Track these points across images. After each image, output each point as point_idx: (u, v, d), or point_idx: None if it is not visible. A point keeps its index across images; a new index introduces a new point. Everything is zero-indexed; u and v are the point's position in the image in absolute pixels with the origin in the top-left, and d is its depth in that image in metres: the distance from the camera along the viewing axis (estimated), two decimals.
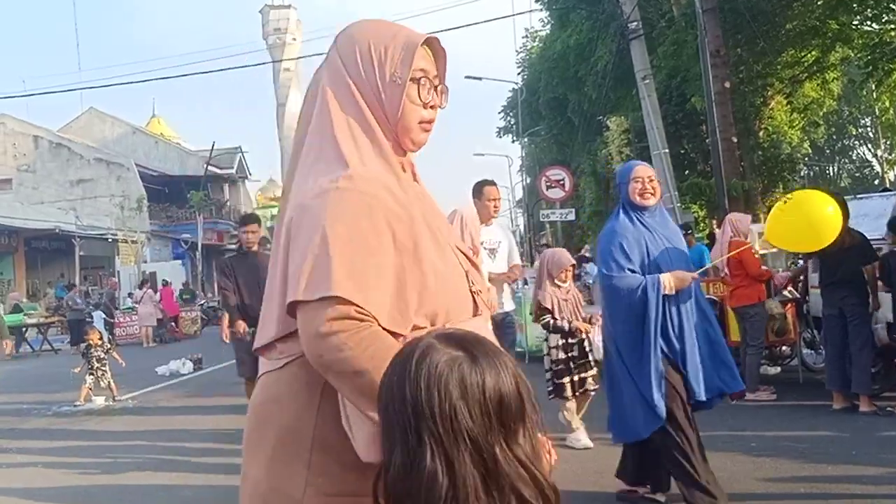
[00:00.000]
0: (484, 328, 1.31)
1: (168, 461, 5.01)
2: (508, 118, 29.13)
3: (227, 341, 5.86)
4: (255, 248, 5.81)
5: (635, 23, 11.88)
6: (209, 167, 29.91)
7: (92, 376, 7.79)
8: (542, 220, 16.29)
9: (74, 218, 24.89)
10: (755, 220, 7.52)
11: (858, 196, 6.77)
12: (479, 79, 23.91)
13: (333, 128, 1.30)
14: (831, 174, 31.14)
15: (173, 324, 17.65)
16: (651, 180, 3.19)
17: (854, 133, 29.10)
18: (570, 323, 4.71)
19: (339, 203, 1.20)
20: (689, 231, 7.96)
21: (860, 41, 15.15)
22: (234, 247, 33.31)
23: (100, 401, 7.79)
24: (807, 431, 4.75)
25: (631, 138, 15.16)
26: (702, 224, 14.98)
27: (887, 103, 22.02)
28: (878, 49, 14.06)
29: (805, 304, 6.42)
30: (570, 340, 4.71)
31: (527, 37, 28.50)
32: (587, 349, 4.74)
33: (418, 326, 1.22)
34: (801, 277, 6.47)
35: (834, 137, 28.51)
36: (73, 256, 23.28)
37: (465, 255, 1.40)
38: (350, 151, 1.27)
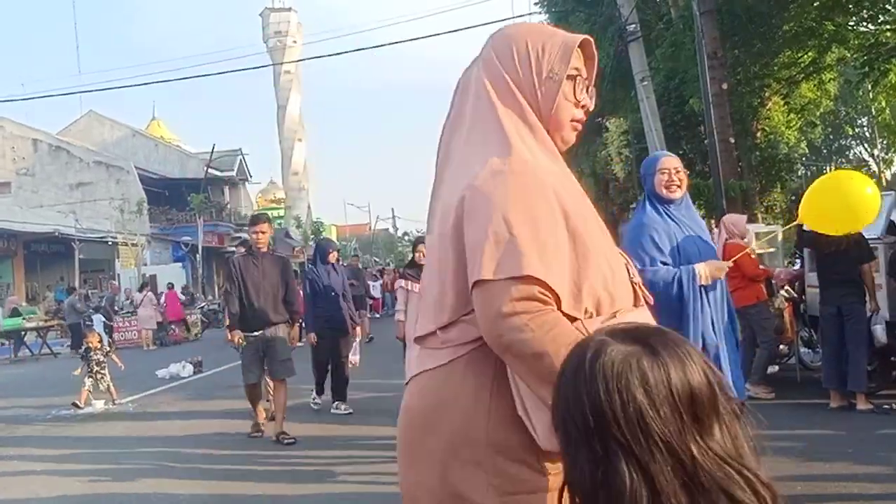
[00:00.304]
0: (650, 320, 1.30)
1: (168, 468, 5.02)
2: None
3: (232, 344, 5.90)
4: (264, 248, 5.71)
5: (633, 25, 11.93)
6: (209, 170, 29.94)
7: (91, 379, 7.81)
8: None
9: (74, 221, 24.89)
10: (752, 219, 7.55)
11: None
12: None
13: (498, 116, 1.32)
14: (829, 173, 31.10)
15: (175, 328, 17.64)
16: (677, 171, 3.10)
17: (851, 133, 29.14)
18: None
19: (516, 185, 1.21)
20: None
21: (856, 42, 15.19)
22: (234, 249, 33.01)
23: (99, 404, 7.81)
24: (804, 430, 4.77)
25: (630, 139, 15.20)
26: None
27: (883, 103, 22.06)
28: (873, 49, 14.10)
29: (802, 304, 6.46)
30: None
31: None
32: None
33: (587, 311, 1.22)
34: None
35: (831, 137, 28.54)
36: (72, 260, 23.29)
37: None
38: (515, 139, 1.29)
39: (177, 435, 6.09)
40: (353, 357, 6.64)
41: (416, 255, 6.17)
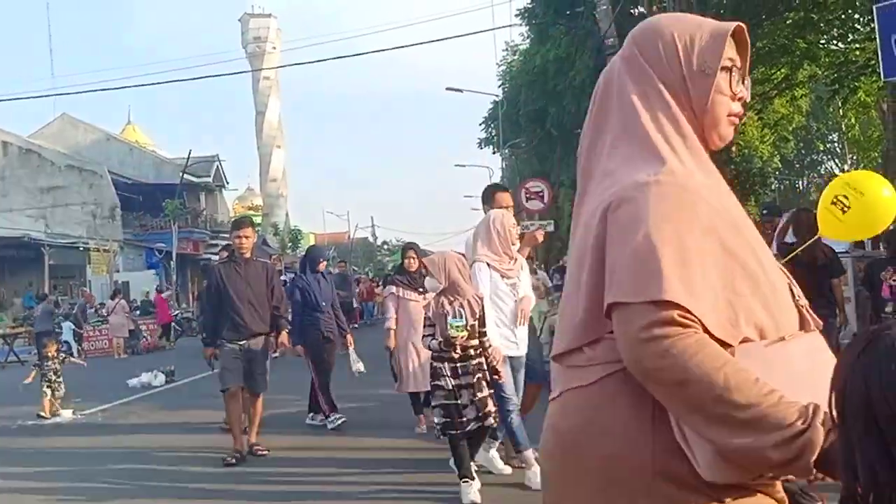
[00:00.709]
0: (823, 348, 1.20)
1: (138, 485, 4.86)
2: (489, 130, 29.33)
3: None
4: (248, 254, 5.40)
5: (612, 39, 12.07)
6: (185, 175, 29.60)
7: (50, 388, 7.61)
8: (521, 231, 16.37)
9: (44, 226, 24.41)
10: None
11: None
12: (460, 91, 24.08)
13: (645, 123, 1.22)
14: (801, 188, 31.85)
15: (147, 337, 17.33)
16: None
17: (822, 148, 29.82)
18: None
19: (663, 199, 1.11)
20: None
21: (827, 60, 15.58)
22: (209, 256, 32.59)
23: (67, 414, 7.61)
24: None
25: None
26: None
27: (853, 120, 22.62)
28: (843, 67, 14.48)
29: None
30: None
31: (507, 50, 28.80)
32: None
33: (747, 339, 1.12)
34: None
35: (803, 152, 29.17)
36: (42, 265, 22.79)
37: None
38: (663, 146, 1.19)
39: (148, 447, 5.93)
40: (357, 365, 6.47)
41: (406, 261, 6.00)
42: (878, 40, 7.48)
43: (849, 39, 15.14)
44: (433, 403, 4.07)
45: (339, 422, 6.11)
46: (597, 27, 12.71)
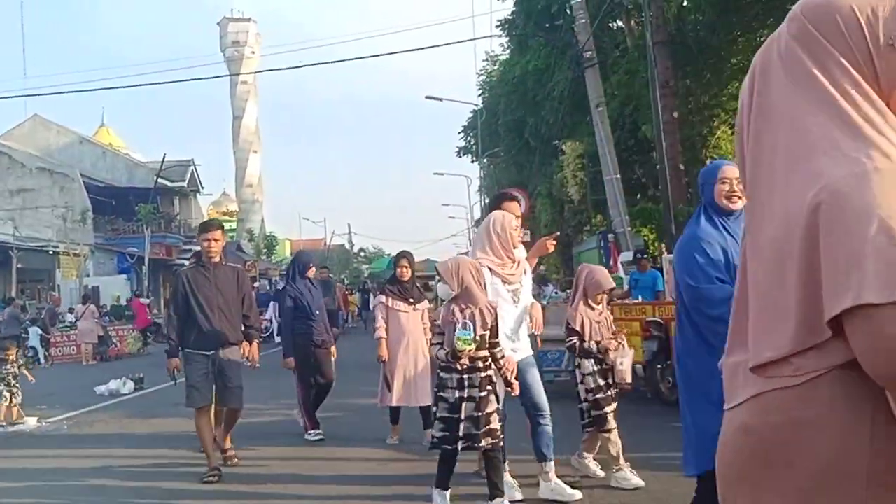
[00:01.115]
0: None
1: (104, 501, 4.69)
2: (468, 139, 29.43)
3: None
4: (217, 258, 5.01)
5: (590, 52, 12.22)
6: (159, 179, 29.17)
7: (10, 393, 7.40)
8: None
9: (13, 229, 23.83)
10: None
11: None
12: (440, 100, 24.17)
13: (837, 103, 1.11)
14: None
15: (116, 343, 16.98)
16: (739, 182, 2.83)
17: None
18: (597, 344, 4.31)
19: (891, 188, 1.01)
20: (644, 255, 8.12)
21: None
22: (183, 262, 32.30)
23: (32, 422, 7.40)
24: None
25: (585, 163, 15.51)
26: (652, 247, 15.38)
27: None
28: None
29: None
30: (604, 366, 4.32)
31: (487, 60, 29.01)
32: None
33: None
34: None
35: None
36: (9, 269, 22.24)
37: None
38: (867, 128, 1.09)
39: (115, 457, 5.78)
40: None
41: (399, 270, 5.75)
42: None
43: None
44: (437, 415, 3.83)
45: (316, 438, 5.90)
46: (575, 40, 12.84)
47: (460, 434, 3.68)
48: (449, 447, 3.75)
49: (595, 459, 4.45)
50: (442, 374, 3.81)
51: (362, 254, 62.47)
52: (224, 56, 56.24)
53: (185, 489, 4.74)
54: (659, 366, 6.92)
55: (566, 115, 16.69)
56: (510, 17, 18.83)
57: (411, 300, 5.63)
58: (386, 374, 5.60)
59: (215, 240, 4.98)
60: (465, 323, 3.68)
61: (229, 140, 60.16)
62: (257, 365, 5.43)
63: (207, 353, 4.89)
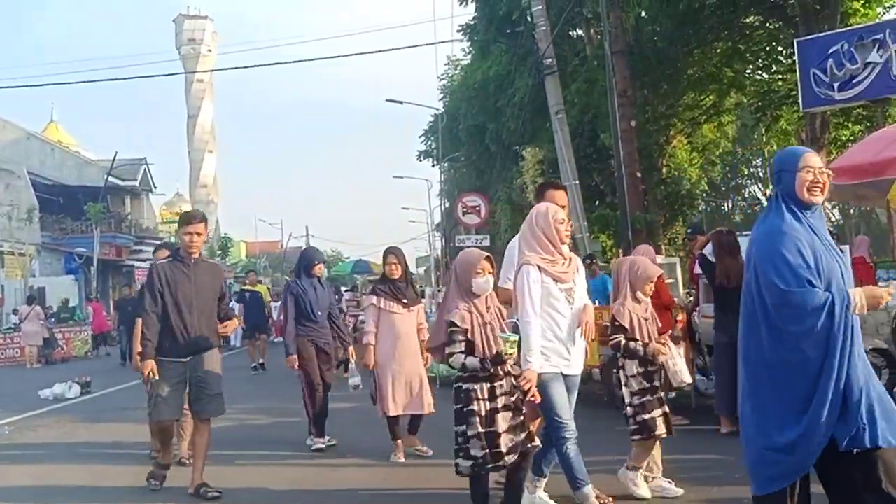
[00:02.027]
0: None
1: None
2: (429, 143, 29.43)
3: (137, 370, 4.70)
4: (197, 254, 4.50)
5: (550, 60, 12.35)
6: (110, 178, 28.26)
7: None
8: (458, 244, 16.52)
9: None
10: (657, 251, 7.92)
11: (745, 233, 7.31)
12: (401, 102, 24.10)
13: None
14: (726, 210, 33.40)
15: (63, 346, 16.34)
16: (822, 171, 2.51)
17: (746, 173, 31.40)
18: (645, 346, 3.93)
19: None
20: (594, 260, 8.23)
21: (752, 88, 16.48)
22: (132, 263, 31.17)
23: None
24: (695, 455, 4.92)
25: (545, 169, 15.66)
26: (609, 253, 15.61)
27: (775, 146, 23.90)
28: (767, 96, 15.35)
29: (696, 333, 6.76)
30: (649, 368, 3.96)
31: (448, 65, 29.09)
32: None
33: None
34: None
35: (729, 176, 30.61)
36: None
37: None
38: None
39: (58, 464, 5.53)
40: (353, 379, 5.82)
41: (388, 268, 5.31)
42: (798, 73, 7.98)
43: (772, 70, 16.07)
44: (468, 433, 3.29)
45: (320, 446, 5.53)
46: (536, 47, 12.96)
47: (503, 449, 3.24)
48: (494, 465, 3.28)
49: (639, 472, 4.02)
50: (466, 386, 3.32)
51: None
52: (179, 54, 55.09)
53: (132, 496, 4.57)
54: (614, 370, 6.97)
55: (526, 122, 16.84)
56: (472, 23, 18.91)
57: (405, 300, 5.22)
58: (380, 382, 5.18)
59: (198, 233, 4.44)
60: (510, 322, 3.31)
61: (184, 139, 58.86)
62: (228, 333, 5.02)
63: (183, 359, 4.36)
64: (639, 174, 13.14)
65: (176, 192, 51.49)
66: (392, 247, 5.62)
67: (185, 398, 4.44)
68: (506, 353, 3.26)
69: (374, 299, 5.24)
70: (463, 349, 3.30)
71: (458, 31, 19.94)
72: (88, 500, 4.57)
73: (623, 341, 3.93)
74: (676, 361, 4.03)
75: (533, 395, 3.37)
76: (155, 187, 35.95)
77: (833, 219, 19.26)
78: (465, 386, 3.33)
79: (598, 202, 16.22)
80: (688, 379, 4.05)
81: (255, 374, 11.31)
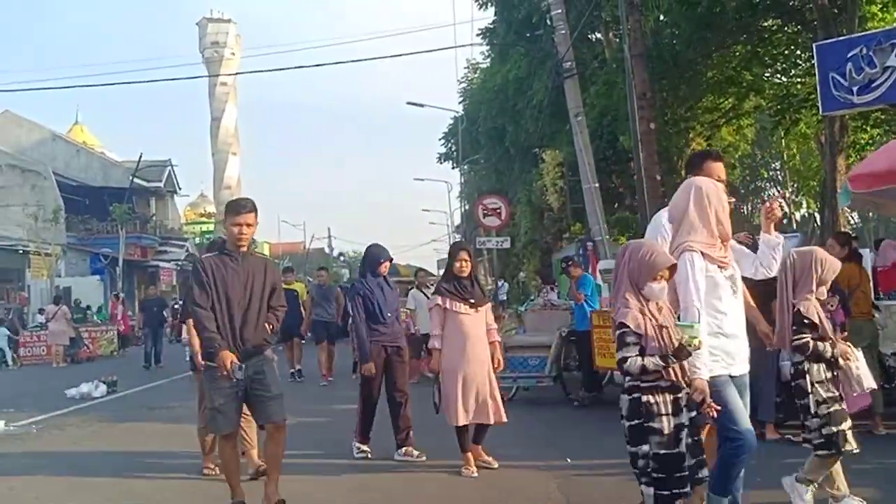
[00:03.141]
0: None
1: None
2: (449, 145, 29.55)
3: (202, 373, 4.25)
4: (246, 248, 4.03)
5: (569, 63, 12.37)
6: (135, 179, 28.78)
7: None
8: (478, 247, 16.60)
9: None
10: None
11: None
12: (421, 106, 24.28)
13: None
14: (745, 213, 33.09)
15: (88, 346, 16.69)
16: None
17: (765, 176, 31.11)
18: (832, 346, 3.48)
19: None
20: (571, 262, 8.19)
21: (771, 92, 16.35)
22: (157, 263, 31.66)
23: None
24: (713, 458, 4.95)
25: (564, 171, 15.69)
26: None
27: (794, 150, 23.67)
28: (786, 100, 15.24)
29: None
30: (835, 372, 3.53)
31: (468, 68, 29.19)
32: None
33: None
34: None
35: (748, 179, 30.35)
36: None
37: None
38: None
39: (85, 462, 5.68)
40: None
41: (458, 264, 4.81)
42: (817, 76, 7.94)
43: (791, 74, 15.94)
44: (651, 453, 2.81)
45: (361, 455, 5.25)
46: (555, 50, 13.00)
47: (685, 475, 2.80)
48: (680, 491, 2.80)
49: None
50: (646, 398, 2.82)
51: (342, 258, 62.18)
52: (203, 57, 55.79)
53: (159, 493, 4.70)
54: (799, 379, 6.90)
55: (546, 124, 16.87)
56: (491, 26, 19.00)
57: (472, 300, 4.79)
58: (447, 390, 4.75)
59: (248, 224, 3.93)
60: (690, 309, 2.84)
61: (208, 141, 59.60)
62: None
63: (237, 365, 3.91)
64: (658, 177, 13.09)
65: (200, 194, 52.31)
66: (461, 242, 5.22)
67: (243, 406, 4.00)
68: (690, 345, 2.74)
69: (439, 299, 4.80)
70: (637, 352, 2.81)
71: (478, 34, 20.11)
72: (115, 499, 4.69)
73: (811, 342, 3.42)
74: (860, 364, 3.52)
75: (709, 406, 2.84)
76: (179, 189, 36.50)
77: (852, 222, 19.01)
78: (642, 398, 2.82)
79: (617, 205, 16.22)
80: (873, 384, 3.59)
81: (292, 381, 10.00)
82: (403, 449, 5.17)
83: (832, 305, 5.31)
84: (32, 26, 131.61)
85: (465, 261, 4.83)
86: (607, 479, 4.44)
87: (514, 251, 20.91)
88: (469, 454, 4.77)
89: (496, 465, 4.82)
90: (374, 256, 5.55)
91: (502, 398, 4.94)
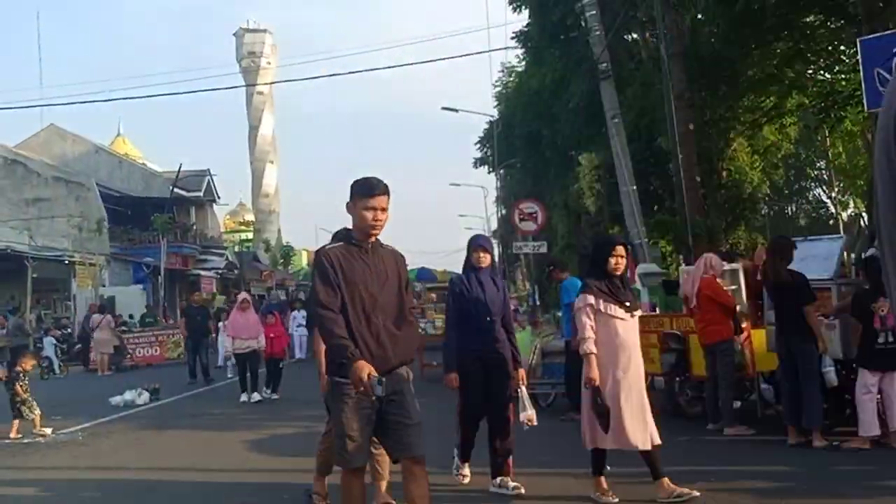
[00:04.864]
0: None
1: None
2: (485, 150, 29.51)
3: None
4: (378, 234, 3.26)
5: (605, 64, 12.19)
6: (175, 189, 29.40)
7: (27, 408, 7.38)
8: (515, 251, 16.48)
9: (28, 238, 24.09)
10: (730, 258, 7.65)
11: (809, 238, 7.05)
12: (456, 111, 24.31)
13: None
14: (790, 214, 32.20)
15: (130, 354, 17.07)
16: None
17: (810, 175, 30.22)
18: None
19: None
20: (554, 266, 7.94)
21: (814, 89, 15.87)
22: (198, 272, 32.04)
23: (47, 432, 7.42)
24: (763, 466, 4.79)
25: (602, 174, 15.47)
26: (669, 259, 15.26)
27: (840, 148, 22.94)
28: (830, 97, 14.77)
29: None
30: None
31: (503, 72, 29.13)
32: None
33: None
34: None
35: (792, 179, 29.53)
36: (24, 278, 22.46)
37: None
38: None
39: (129, 469, 5.74)
40: (526, 413, 4.52)
41: (614, 260, 4.10)
42: (861, 72, 7.64)
43: (835, 70, 15.46)
44: None
45: (466, 477, 4.59)
46: (590, 52, 12.83)
47: None
48: None
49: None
50: None
51: None
52: (240, 67, 56.87)
53: (200, 500, 4.72)
54: (678, 378, 6.85)
55: (582, 127, 16.67)
56: (525, 30, 18.87)
57: (627, 303, 4.10)
58: (598, 404, 4.01)
59: (382, 209, 3.18)
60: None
61: (246, 150, 60.67)
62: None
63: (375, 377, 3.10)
64: (698, 178, 12.82)
65: (239, 203, 53.21)
66: (615, 236, 4.55)
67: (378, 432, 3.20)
68: None
69: (590, 299, 4.07)
70: None
71: (512, 38, 19.96)
72: (158, 502, 4.73)
73: None
74: None
75: None
76: (218, 197, 37.16)
77: None
78: None
79: (656, 207, 15.91)
80: None
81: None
82: (499, 479, 4.39)
83: (884, 311, 5.10)
84: (74, 42, 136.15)
85: (622, 257, 4.14)
86: (643, 487, 4.31)
87: (552, 256, 20.73)
88: (601, 478, 4.13)
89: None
90: (468, 246, 4.71)
91: (539, 405, 4.73)
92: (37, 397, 7.70)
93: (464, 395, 4.46)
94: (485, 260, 4.56)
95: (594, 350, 4.00)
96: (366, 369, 2.91)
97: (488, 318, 4.41)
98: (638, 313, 4.23)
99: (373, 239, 3.23)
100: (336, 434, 3.18)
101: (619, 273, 4.13)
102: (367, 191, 3.19)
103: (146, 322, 19.08)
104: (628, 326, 4.08)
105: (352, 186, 3.23)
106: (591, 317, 4.05)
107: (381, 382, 2.92)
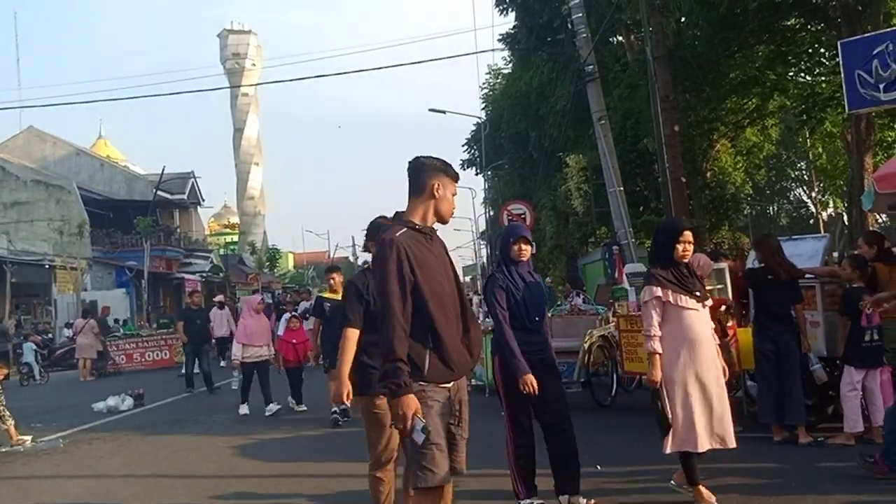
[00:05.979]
0: None
1: None
2: (472, 151, 29.56)
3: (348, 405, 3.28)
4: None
5: (591, 66, 12.25)
6: (159, 192, 29.09)
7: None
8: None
9: (7, 242, 23.70)
10: (716, 258, 7.72)
11: (793, 237, 7.11)
12: (443, 112, 24.29)
13: None
14: (772, 213, 32.56)
15: (115, 359, 16.84)
16: None
17: (791, 176, 30.61)
18: None
19: None
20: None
21: (795, 91, 16.11)
22: (182, 275, 31.74)
23: (26, 440, 7.28)
24: (749, 463, 4.79)
25: (589, 175, 15.54)
26: None
27: (820, 149, 23.28)
28: (810, 99, 14.98)
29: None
30: None
31: (490, 74, 29.19)
32: None
33: None
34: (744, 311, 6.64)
35: (773, 179, 29.88)
36: (3, 283, 22.10)
37: None
38: None
39: (112, 476, 5.65)
40: None
41: (681, 246, 3.75)
42: (842, 74, 7.75)
43: (815, 73, 15.69)
44: None
45: None
46: (577, 54, 12.89)
47: None
48: None
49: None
50: None
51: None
52: (224, 68, 56.53)
53: None
54: None
55: (569, 129, 16.75)
56: (512, 32, 18.91)
57: (698, 293, 3.76)
58: (675, 409, 3.69)
59: (453, 193, 2.83)
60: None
61: (230, 152, 60.28)
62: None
63: (447, 384, 2.71)
64: (683, 179, 12.91)
65: (224, 205, 52.85)
66: (682, 221, 4.29)
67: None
68: None
69: (657, 290, 3.71)
70: None
71: (499, 40, 19.98)
72: None
73: None
74: None
75: None
76: (203, 200, 36.85)
77: (880, 221, 18.58)
78: None
79: (642, 208, 16.02)
80: None
81: (340, 421, 7.15)
82: (569, 498, 3.84)
83: (870, 309, 5.16)
84: (55, 43, 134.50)
85: (690, 243, 3.76)
86: (635, 486, 4.31)
87: (540, 256, 20.77)
88: (703, 489, 3.79)
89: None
90: (504, 237, 4.15)
91: None
92: (16, 404, 7.55)
93: (514, 404, 3.89)
94: (526, 252, 4.00)
95: (659, 349, 3.66)
96: (413, 407, 2.50)
97: (536, 318, 3.96)
98: (709, 303, 3.87)
99: (447, 219, 2.83)
100: (423, 443, 2.55)
101: (686, 261, 3.79)
102: (455, 176, 2.84)
103: (127, 330, 18.77)
104: (701, 318, 3.73)
105: (436, 166, 2.80)
106: (658, 311, 3.70)
107: (426, 430, 2.51)
